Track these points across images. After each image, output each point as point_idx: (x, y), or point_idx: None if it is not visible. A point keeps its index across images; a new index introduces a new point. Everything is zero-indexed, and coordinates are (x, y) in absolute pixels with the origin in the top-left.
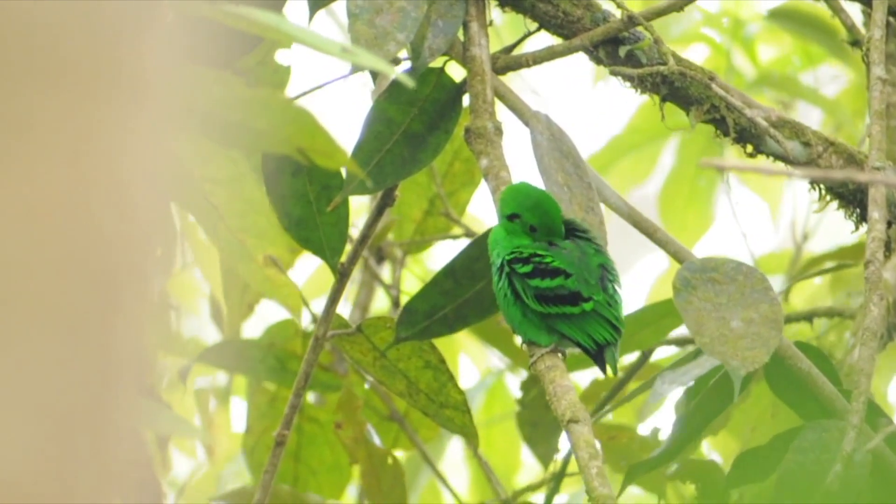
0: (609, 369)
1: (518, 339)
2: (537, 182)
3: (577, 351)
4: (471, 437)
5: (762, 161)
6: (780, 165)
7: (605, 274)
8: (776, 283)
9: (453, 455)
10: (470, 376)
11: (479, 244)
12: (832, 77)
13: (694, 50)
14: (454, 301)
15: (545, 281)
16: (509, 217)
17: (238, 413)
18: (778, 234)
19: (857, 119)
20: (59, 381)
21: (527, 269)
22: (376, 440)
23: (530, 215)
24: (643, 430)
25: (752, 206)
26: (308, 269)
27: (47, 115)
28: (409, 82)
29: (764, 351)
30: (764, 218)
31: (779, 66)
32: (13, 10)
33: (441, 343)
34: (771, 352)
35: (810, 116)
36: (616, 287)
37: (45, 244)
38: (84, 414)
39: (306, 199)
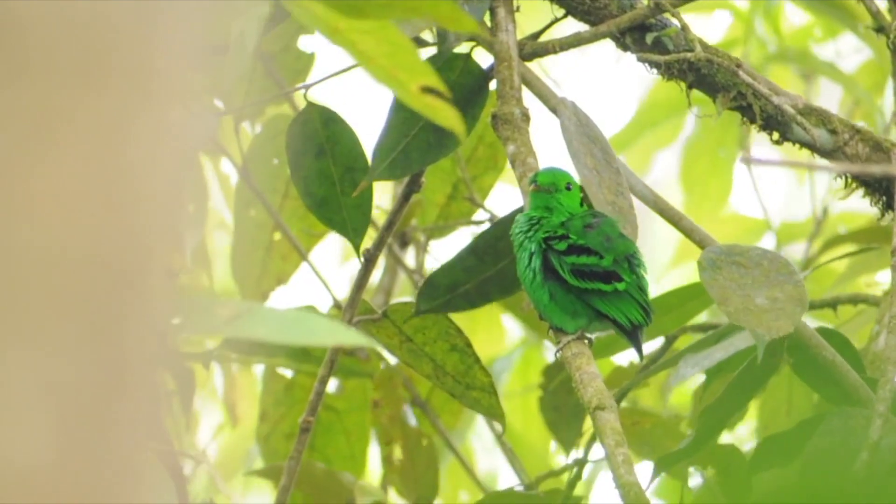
0: (639, 353)
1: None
2: (568, 168)
3: (603, 335)
4: (498, 417)
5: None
6: (807, 154)
7: (633, 259)
8: (797, 249)
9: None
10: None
11: (504, 224)
12: (855, 49)
13: (717, 17)
14: (476, 277)
15: (581, 257)
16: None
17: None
18: (798, 202)
19: (876, 93)
20: (78, 369)
21: (563, 245)
22: (412, 421)
23: (539, 175)
24: (666, 412)
25: (772, 173)
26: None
27: (68, 98)
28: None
29: (789, 322)
30: (783, 185)
31: (801, 37)
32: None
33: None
34: (796, 323)
35: (832, 92)
36: (643, 272)
37: (63, 236)
38: (104, 402)
39: (330, 181)
